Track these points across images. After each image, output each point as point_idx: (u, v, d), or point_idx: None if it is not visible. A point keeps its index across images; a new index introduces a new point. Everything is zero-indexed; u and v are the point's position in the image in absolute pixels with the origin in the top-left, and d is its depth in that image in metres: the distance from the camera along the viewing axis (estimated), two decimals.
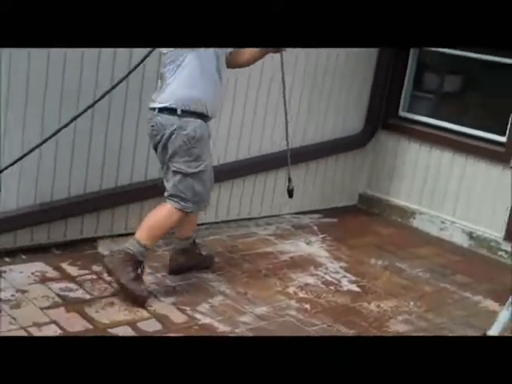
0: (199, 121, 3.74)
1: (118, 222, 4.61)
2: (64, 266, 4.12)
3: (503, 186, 5.08)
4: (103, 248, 4.40)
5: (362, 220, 5.58)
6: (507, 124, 5.14)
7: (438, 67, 5.92)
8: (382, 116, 5.82)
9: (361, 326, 3.82)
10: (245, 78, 4.83)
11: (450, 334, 3.82)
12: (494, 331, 2.75)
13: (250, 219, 5.19)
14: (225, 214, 5.09)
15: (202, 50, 3.63)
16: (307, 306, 3.97)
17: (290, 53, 4.98)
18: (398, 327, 3.85)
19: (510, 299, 2.65)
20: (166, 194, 3.85)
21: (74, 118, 3.47)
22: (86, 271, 4.08)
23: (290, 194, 4.16)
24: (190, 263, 4.21)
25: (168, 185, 3.82)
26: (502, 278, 4.70)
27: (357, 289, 4.28)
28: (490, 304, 4.27)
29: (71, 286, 3.88)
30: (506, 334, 2.83)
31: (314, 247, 4.87)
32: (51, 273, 4.00)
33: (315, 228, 5.25)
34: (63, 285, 3.88)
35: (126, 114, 4.40)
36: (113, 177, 4.49)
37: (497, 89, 5.58)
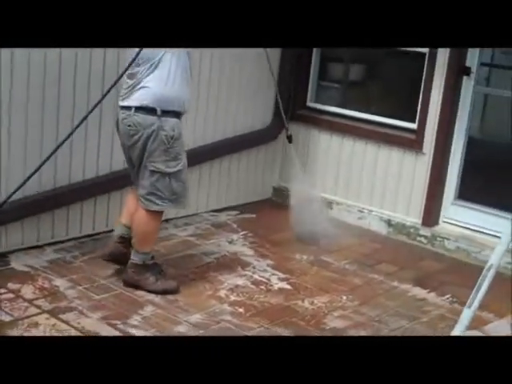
0: (175, 119, 3.75)
1: (29, 233, 4.31)
2: None
3: (417, 172, 5.14)
4: (17, 263, 4.10)
5: (279, 214, 5.46)
6: (416, 111, 5.19)
7: (341, 56, 5.92)
8: (291, 107, 5.76)
9: (298, 326, 3.73)
10: None
11: (386, 327, 3.81)
12: (457, 332, 2.72)
13: (167, 220, 4.99)
14: None
15: (178, 49, 3.63)
16: (241, 310, 3.84)
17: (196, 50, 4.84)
18: (335, 323, 3.79)
19: (470, 297, 2.63)
20: (141, 192, 3.81)
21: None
22: (2, 290, 3.79)
23: (290, 139, 4.43)
24: (123, 255, 4.01)
25: (144, 183, 3.79)
26: (424, 263, 4.77)
27: (288, 286, 4.20)
28: (419, 292, 4.28)
29: None
30: (469, 334, 2.82)
31: (237, 246, 4.75)
32: None
33: (235, 226, 5.12)
34: None
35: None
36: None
37: (402, 76, 5.66)
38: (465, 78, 5.05)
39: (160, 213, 3.90)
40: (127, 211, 4.03)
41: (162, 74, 3.63)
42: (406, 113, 5.36)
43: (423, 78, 5.14)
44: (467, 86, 5.06)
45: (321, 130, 5.62)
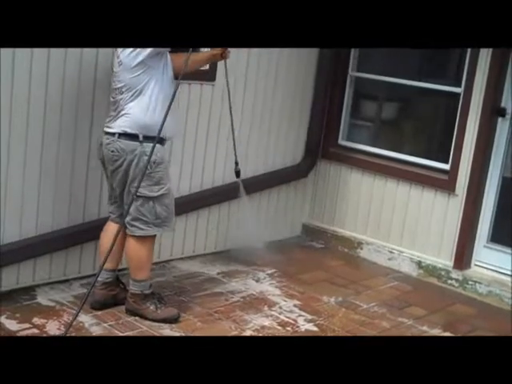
0: (158, 145, 3.76)
1: (56, 267, 4.31)
2: (2, 319, 3.79)
3: (449, 213, 5.06)
4: (43, 298, 4.09)
5: (307, 252, 5.45)
6: (449, 151, 5.13)
7: (374, 94, 5.89)
8: (322, 145, 5.74)
9: None
10: None
11: None
12: None
13: (194, 257, 4.98)
14: (168, 254, 4.87)
15: (162, 76, 3.76)
16: None
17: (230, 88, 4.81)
18: None
19: None
20: (127, 218, 3.84)
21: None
22: (27, 325, 3.77)
23: (238, 174, 4.40)
24: (111, 298, 4.07)
25: (129, 209, 3.80)
26: (455, 308, 4.67)
27: (314, 328, 4.12)
28: None
29: None
30: None
31: (264, 285, 4.70)
32: None
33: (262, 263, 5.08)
34: None
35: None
36: (49, 221, 4.21)
37: (435, 116, 5.60)
38: (500, 118, 4.97)
39: (150, 238, 3.94)
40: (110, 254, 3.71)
41: (143, 101, 3.74)
42: (439, 153, 5.31)
43: (457, 118, 5.09)
44: (502, 127, 4.99)
45: (352, 169, 5.58)
